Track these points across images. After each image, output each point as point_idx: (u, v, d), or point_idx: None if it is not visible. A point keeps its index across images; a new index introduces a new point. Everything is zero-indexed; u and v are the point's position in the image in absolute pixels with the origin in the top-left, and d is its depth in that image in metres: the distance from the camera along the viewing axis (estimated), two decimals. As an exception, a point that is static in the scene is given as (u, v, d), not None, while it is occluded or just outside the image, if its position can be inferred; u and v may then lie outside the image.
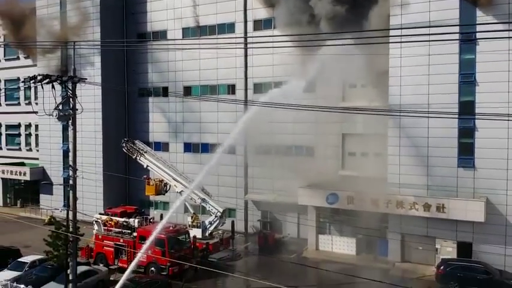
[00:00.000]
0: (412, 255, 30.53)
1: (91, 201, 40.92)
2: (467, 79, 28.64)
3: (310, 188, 32.80)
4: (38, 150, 48.46)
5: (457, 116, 28.29)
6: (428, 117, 27.54)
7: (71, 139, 23.43)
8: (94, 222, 31.63)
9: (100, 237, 30.76)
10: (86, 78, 24.56)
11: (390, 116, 29.49)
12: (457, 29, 28.52)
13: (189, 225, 32.41)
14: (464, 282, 25.82)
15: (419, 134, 29.64)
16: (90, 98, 40.49)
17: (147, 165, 34.31)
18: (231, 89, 39.93)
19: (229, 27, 39.53)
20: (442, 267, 26.79)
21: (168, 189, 34.21)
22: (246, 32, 38.75)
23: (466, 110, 28.55)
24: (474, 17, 27.98)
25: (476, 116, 27.58)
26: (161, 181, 33.93)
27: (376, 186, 29.89)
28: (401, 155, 30.44)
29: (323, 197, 31.84)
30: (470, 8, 28.15)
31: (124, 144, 34.98)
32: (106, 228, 30.92)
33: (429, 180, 29.58)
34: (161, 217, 33.77)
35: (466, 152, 28.90)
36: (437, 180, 29.32)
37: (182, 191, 32.23)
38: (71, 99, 22.72)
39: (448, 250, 29.07)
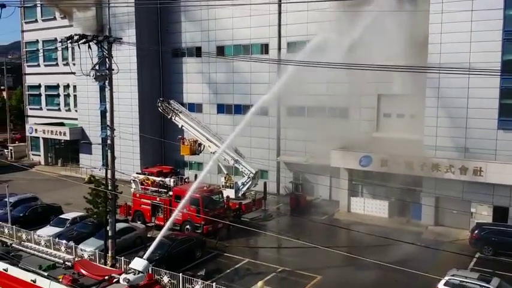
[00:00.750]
0: (446, 219, 30.18)
1: (128, 160, 42.11)
2: (511, 36, 27.10)
3: (343, 150, 32.54)
4: (76, 111, 49.84)
5: (499, 75, 27.05)
6: (468, 76, 26.51)
7: (108, 99, 23.90)
8: (132, 181, 32.69)
9: (137, 195, 31.81)
10: (121, 38, 24.85)
11: (428, 76, 28.49)
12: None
13: (223, 185, 32.99)
14: (498, 246, 25.47)
15: (458, 95, 28.63)
16: (125, 58, 40.95)
17: (182, 125, 34.72)
18: (264, 48, 39.37)
19: (263, -17, 38.48)
20: (476, 231, 26.43)
21: (202, 149, 34.73)
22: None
23: (509, 68, 27.22)
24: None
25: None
26: (195, 141, 34.45)
27: (412, 148, 29.32)
28: (439, 117, 29.59)
29: (356, 159, 31.58)
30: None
31: (159, 104, 35.41)
32: (143, 187, 31.90)
33: (467, 142, 28.78)
34: (195, 177, 34.52)
35: (507, 114, 27.86)
36: (475, 143, 28.50)
37: (216, 151, 32.65)
38: (107, 59, 23.03)
39: (483, 214, 28.57)
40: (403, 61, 28.68)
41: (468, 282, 19.48)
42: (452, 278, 19.89)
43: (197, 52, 43.05)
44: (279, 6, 37.94)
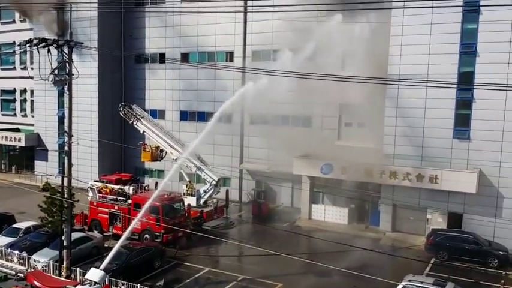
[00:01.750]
0: (403, 225, 30.93)
1: (86, 168, 41.05)
2: (468, 49, 28.28)
3: (305, 158, 32.85)
4: (33, 116, 48.30)
5: (456, 87, 28.05)
6: (426, 87, 27.35)
7: (66, 105, 23.38)
8: (89, 189, 31.77)
9: (95, 204, 30.97)
10: (82, 43, 24.37)
11: (388, 86, 29.21)
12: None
13: (184, 193, 32.61)
14: (453, 252, 26.21)
15: (417, 105, 29.48)
16: (86, 63, 40.18)
17: (144, 131, 34.13)
18: (229, 56, 39.43)
19: (228, -9, 38.59)
20: (431, 237, 27.17)
21: (164, 156, 34.28)
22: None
23: (465, 80, 28.30)
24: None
25: (475, 87, 27.33)
26: (157, 147, 33.99)
27: (371, 156, 29.92)
28: (398, 126, 30.37)
29: (317, 167, 31.93)
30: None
31: (121, 109, 34.63)
32: (101, 195, 31.09)
33: (424, 151, 29.63)
34: (156, 185, 33.98)
35: (462, 124, 28.86)
36: (432, 151, 29.37)
37: (178, 158, 32.29)
38: (66, 64, 22.52)
39: (438, 220, 29.46)
40: (364, 72, 29.55)
41: (424, 287, 19.95)
42: (409, 283, 20.34)
43: (161, 58, 42.64)
44: (245, 15, 38.13)
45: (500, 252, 25.83)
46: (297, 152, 32.87)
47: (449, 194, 28.66)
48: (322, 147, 33.07)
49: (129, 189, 30.57)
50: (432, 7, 26.16)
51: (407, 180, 29.08)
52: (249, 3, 37.94)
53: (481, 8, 27.29)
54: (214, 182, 32.11)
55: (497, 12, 25.42)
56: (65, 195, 23.56)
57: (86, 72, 38.41)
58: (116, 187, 30.96)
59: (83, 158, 40.19)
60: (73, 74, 22.63)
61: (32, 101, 48.70)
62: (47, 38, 22.55)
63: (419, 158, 29.72)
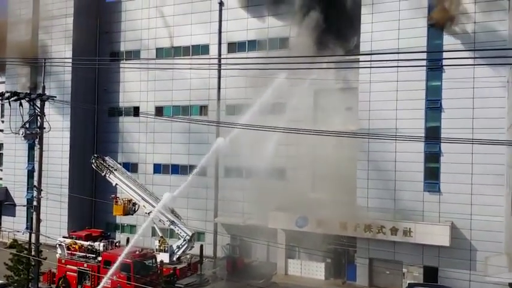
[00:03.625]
0: (380, 280, 30.68)
1: (55, 223, 39.66)
2: (433, 105, 29.49)
3: (279, 211, 32.72)
4: (1, 170, 47.03)
5: (423, 141, 28.96)
6: (396, 141, 28.15)
7: (36, 158, 22.92)
8: (57, 245, 30.60)
9: (63, 261, 29.74)
10: (55, 97, 24.22)
11: (359, 140, 29.90)
12: (425, 56, 29.45)
13: (157, 249, 31.70)
14: (430, 306, 26.08)
15: (387, 158, 30.16)
16: (58, 116, 39.81)
17: (116, 184, 33.45)
18: (204, 110, 39.85)
19: (204, 49, 39.68)
20: (408, 292, 27.03)
21: (136, 209, 33.55)
22: (220, 54, 38.96)
23: (432, 135, 29.29)
24: (441, 45, 29.00)
25: (442, 141, 28.28)
26: (129, 201, 33.28)
27: (345, 209, 30.06)
28: (370, 179, 30.84)
29: (293, 220, 31.79)
30: (438, 37, 29.16)
31: (94, 161, 34.03)
32: (70, 252, 29.94)
33: (396, 204, 30.02)
34: (127, 241, 32.98)
35: (431, 177, 29.55)
36: (404, 204, 29.78)
37: (151, 211, 31.64)
38: (38, 117, 22.31)
39: (414, 275, 29.38)
40: (336, 126, 30.33)
41: None
42: None
43: (135, 112, 42.71)
44: (219, 71, 38.98)
45: (476, 306, 25.85)
46: (272, 205, 32.73)
47: (423, 247, 28.83)
48: (297, 199, 33.09)
49: (99, 245, 29.53)
50: (397, 67, 27.53)
51: (382, 233, 29.22)
52: (223, 60, 39.07)
53: (444, 66, 28.74)
54: (188, 237, 31.41)
55: (459, 70, 26.65)
56: (33, 253, 22.61)
57: (58, 125, 38.01)
58: (86, 243, 29.89)
59: (52, 213, 38.91)
60: (45, 128, 22.40)
61: (1, 154, 47.62)
62: (19, 91, 22.46)
63: (393, 211, 30.04)
